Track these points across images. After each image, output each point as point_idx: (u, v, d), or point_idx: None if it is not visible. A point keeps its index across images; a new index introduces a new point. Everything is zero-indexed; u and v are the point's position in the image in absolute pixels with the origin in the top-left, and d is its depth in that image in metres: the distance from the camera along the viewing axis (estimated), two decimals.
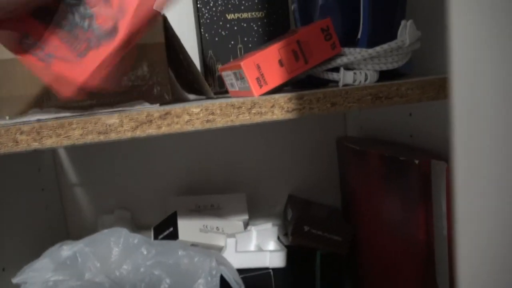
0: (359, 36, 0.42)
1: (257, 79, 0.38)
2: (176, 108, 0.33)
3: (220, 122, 0.34)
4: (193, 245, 0.64)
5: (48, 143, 0.31)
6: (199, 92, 0.65)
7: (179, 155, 0.81)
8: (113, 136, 0.32)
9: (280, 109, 0.34)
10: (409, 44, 0.41)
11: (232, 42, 0.61)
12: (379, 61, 0.41)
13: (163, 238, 0.69)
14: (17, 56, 0.33)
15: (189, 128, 0.33)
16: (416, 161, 0.51)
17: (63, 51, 0.33)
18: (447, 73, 0.38)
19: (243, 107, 0.34)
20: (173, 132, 0.33)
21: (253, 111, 0.34)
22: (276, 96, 0.34)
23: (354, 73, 0.41)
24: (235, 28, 0.61)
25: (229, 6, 0.60)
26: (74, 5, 0.33)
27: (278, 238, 0.74)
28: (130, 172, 0.79)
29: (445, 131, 0.53)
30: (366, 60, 0.41)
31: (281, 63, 0.39)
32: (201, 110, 0.33)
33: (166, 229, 0.69)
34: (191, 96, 0.73)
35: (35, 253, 0.58)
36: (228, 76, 0.43)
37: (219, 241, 0.71)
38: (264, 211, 0.84)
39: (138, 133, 0.32)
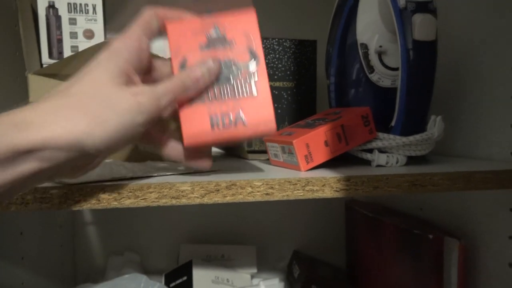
0: (392, 124, 0.47)
1: (305, 156, 0.43)
2: (241, 180, 0.37)
3: (277, 196, 0.38)
4: None
5: (127, 203, 0.35)
6: (231, 150, 0.69)
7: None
8: (183, 201, 0.36)
9: (330, 188, 0.39)
10: (436, 136, 0.46)
11: None
12: (409, 148, 0.46)
13: (175, 287, 0.71)
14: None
15: (250, 198, 0.37)
16: (430, 236, 0.55)
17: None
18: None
19: (298, 184, 0.38)
20: (236, 202, 0.37)
21: (307, 188, 0.38)
22: (327, 176, 0.39)
23: (387, 156, 0.46)
24: None
25: None
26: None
27: None
28: (142, 215, 0.82)
29: (455, 207, 0.58)
30: (399, 146, 0.46)
31: (326, 143, 0.44)
32: (262, 184, 0.37)
33: (179, 278, 0.71)
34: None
35: None
36: (273, 147, 0.48)
37: None
38: (269, 264, 0.86)
39: (206, 200, 0.36)
